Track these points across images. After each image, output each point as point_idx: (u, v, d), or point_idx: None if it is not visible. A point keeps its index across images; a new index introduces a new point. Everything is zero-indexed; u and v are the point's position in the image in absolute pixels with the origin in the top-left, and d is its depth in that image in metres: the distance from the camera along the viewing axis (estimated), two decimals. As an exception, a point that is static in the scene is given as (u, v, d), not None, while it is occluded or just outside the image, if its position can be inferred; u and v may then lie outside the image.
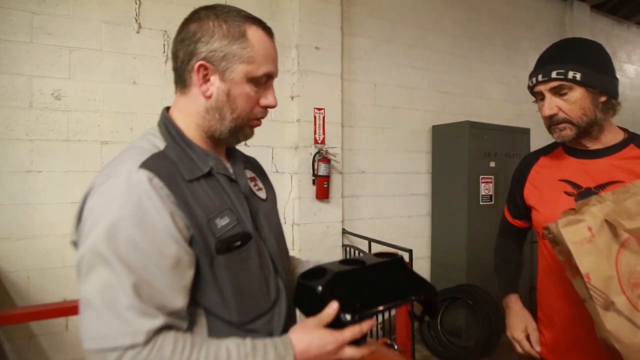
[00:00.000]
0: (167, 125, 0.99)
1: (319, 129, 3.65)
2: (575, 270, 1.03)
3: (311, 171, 3.59)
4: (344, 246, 3.83)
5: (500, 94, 5.21)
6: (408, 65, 4.41)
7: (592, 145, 1.37)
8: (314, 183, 3.59)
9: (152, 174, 0.86)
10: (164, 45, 3.18)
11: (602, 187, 1.30)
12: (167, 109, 1.05)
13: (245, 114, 0.99)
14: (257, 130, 1.08)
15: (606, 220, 1.04)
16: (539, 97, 1.38)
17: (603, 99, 1.31)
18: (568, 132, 1.34)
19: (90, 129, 2.94)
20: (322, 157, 3.56)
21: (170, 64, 3.14)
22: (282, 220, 3.50)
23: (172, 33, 3.41)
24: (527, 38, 5.56)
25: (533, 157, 1.56)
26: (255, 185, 1.13)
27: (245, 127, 1.02)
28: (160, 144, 0.96)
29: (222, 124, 0.98)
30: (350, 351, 0.92)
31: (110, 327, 0.77)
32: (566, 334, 1.38)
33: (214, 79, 0.96)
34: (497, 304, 3.52)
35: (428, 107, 4.56)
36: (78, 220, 0.88)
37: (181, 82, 1.00)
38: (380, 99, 4.22)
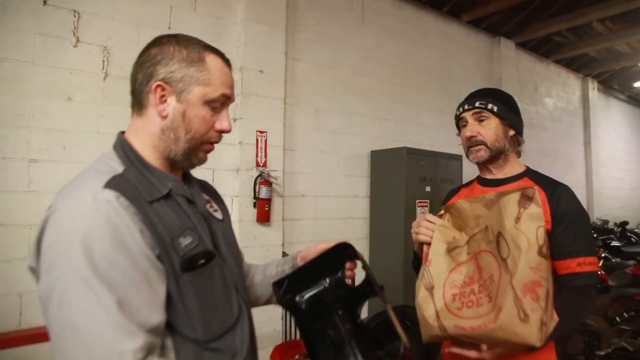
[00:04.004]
0: (124, 148, 0.99)
1: (261, 152, 3.65)
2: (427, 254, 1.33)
3: (252, 194, 3.58)
4: (284, 269, 3.82)
5: (435, 122, 5.47)
6: (349, 92, 4.54)
7: (497, 174, 1.64)
8: (255, 206, 3.58)
9: (117, 193, 0.86)
10: (104, 61, 3.07)
11: None
12: (122, 132, 1.05)
13: (200, 135, 1.01)
14: None
15: (467, 242, 1.28)
16: (463, 123, 1.64)
17: (512, 133, 1.62)
18: (483, 154, 1.59)
19: (17, 145, 2.76)
20: (263, 180, 3.56)
21: (110, 81, 3.07)
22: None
23: (113, 49, 3.31)
24: (459, 70, 5.90)
25: (456, 189, 1.84)
26: (211, 206, 1.14)
27: (199, 150, 1.03)
28: (118, 167, 0.95)
29: (176, 145, 0.99)
30: None
31: (95, 350, 0.76)
32: None
33: (171, 99, 0.98)
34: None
35: (367, 133, 4.69)
36: (37, 246, 0.85)
37: (138, 103, 1.01)
38: (321, 124, 4.30)
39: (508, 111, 1.60)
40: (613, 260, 4.99)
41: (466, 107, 1.62)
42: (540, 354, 1.38)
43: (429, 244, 1.37)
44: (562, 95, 8.20)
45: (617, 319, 3.92)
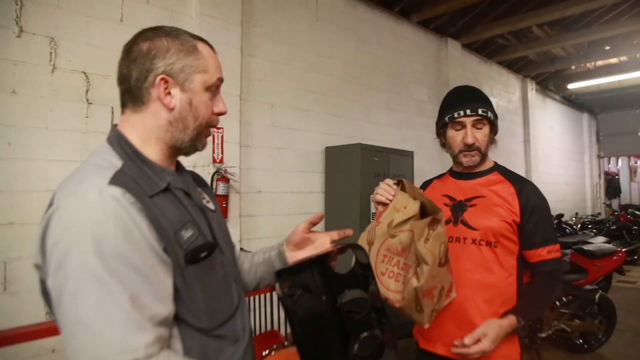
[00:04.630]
0: (120, 143, 0.98)
1: (218, 148, 3.62)
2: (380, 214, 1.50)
3: (209, 190, 3.54)
4: (242, 266, 3.81)
5: (386, 119, 5.60)
6: (304, 89, 4.57)
7: (474, 170, 1.72)
8: (212, 202, 3.54)
9: (123, 190, 0.86)
10: (51, 53, 2.94)
11: (469, 199, 1.69)
12: (115, 126, 1.04)
13: (205, 121, 1.04)
14: None
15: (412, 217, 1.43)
16: (458, 127, 1.66)
17: (492, 135, 1.72)
18: (477, 158, 1.67)
19: (-43, 141, 2.61)
20: (220, 176, 3.53)
21: (58, 74, 2.95)
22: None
23: (61, 40, 3.19)
24: (409, 69, 6.07)
25: (429, 181, 1.93)
26: (204, 197, 1.15)
27: (202, 135, 1.06)
28: (117, 162, 0.94)
29: (185, 134, 1.02)
30: None
31: (108, 345, 0.77)
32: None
33: (175, 91, 0.99)
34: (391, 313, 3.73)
35: (322, 129, 4.75)
36: (42, 243, 0.84)
37: (135, 99, 1.00)
38: (276, 120, 4.31)
39: (494, 116, 1.68)
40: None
41: (468, 112, 1.62)
42: (506, 344, 1.53)
43: (385, 205, 1.50)
44: (504, 94, 8.61)
45: (557, 303, 4.18)
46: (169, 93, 0.99)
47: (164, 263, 0.89)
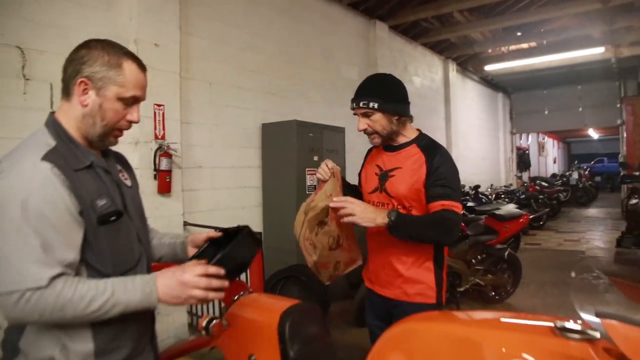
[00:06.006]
0: (54, 126, 1.27)
1: (159, 125, 3.72)
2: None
3: (152, 166, 3.65)
4: (185, 238, 3.97)
5: (319, 97, 5.88)
6: (241, 67, 4.72)
7: (395, 143, 2.04)
8: (155, 178, 3.66)
9: (51, 164, 1.16)
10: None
11: (390, 170, 2.02)
12: (53, 112, 1.31)
13: (112, 124, 1.29)
14: None
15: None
16: (357, 115, 2.02)
17: (395, 117, 1.96)
18: (377, 140, 2.02)
19: None
20: (163, 152, 3.65)
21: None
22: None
23: None
24: (339, 49, 6.36)
25: (370, 149, 2.24)
26: (123, 175, 1.45)
27: (110, 135, 1.32)
28: (51, 141, 1.23)
29: (93, 129, 1.28)
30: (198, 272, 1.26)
31: (22, 275, 1.08)
32: (374, 262, 2.12)
33: (91, 93, 1.25)
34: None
35: (259, 107, 4.94)
36: None
37: (66, 91, 1.28)
38: (215, 97, 4.45)
39: (389, 103, 1.93)
40: (469, 216, 5.90)
41: (354, 105, 1.96)
42: (423, 272, 1.95)
43: (324, 181, 1.94)
44: (427, 74, 9.16)
45: (473, 261, 4.74)
46: (87, 93, 1.25)
47: (76, 222, 1.17)
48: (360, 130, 2.01)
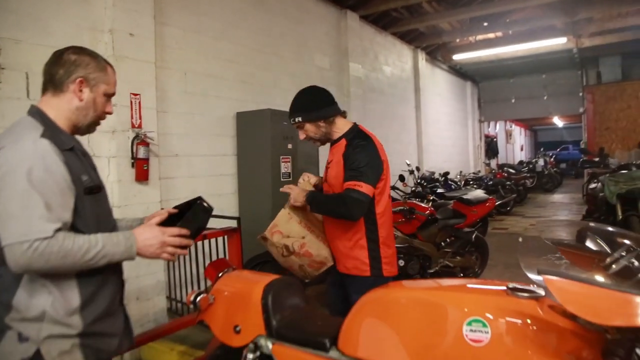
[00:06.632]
0: (41, 116, 1.51)
1: (136, 114, 3.77)
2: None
3: (130, 154, 3.71)
4: (163, 225, 4.05)
5: (292, 86, 5.96)
6: (215, 57, 4.79)
7: (333, 138, 2.39)
8: (133, 166, 3.72)
9: (49, 141, 1.41)
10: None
11: (329, 162, 2.40)
12: (34, 105, 1.55)
13: (99, 115, 1.60)
14: None
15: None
16: None
17: (321, 121, 2.32)
18: (317, 143, 2.45)
19: None
20: (140, 140, 3.70)
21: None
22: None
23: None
24: (312, 38, 6.46)
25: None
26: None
27: (95, 124, 1.63)
28: (39, 126, 1.46)
29: (85, 119, 1.57)
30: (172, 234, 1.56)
31: (30, 228, 1.30)
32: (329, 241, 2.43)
33: (86, 90, 1.54)
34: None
35: (232, 96, 5.02)
36: None
37: (56, 88, 1.53)
38: (190, 87, 4.51)
39: (310, 113, 2.30)
40: (439, 201, 6.13)
41: (290, 121, 2.40)
42: (357, 250, 2.27)
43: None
44: (398, 64, 9.35)
45: (442, 243, 4.96)
46: (82, 90, 1.53)
47: (69, 189, 1.42)
48: (301, 140, 2.42)
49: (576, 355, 1.30)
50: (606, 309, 1.09)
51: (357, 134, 2.31)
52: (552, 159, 19.26)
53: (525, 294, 1.37)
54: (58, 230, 1.33)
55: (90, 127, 1.61)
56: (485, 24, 9.29)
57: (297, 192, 2.29)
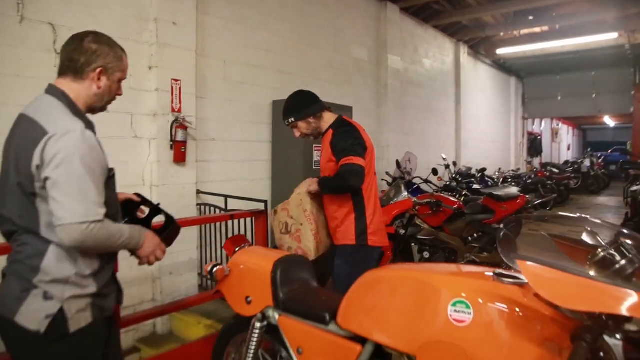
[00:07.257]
0: (66, 97, 1.63)
1: (176, 99, 4.00)
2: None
3: (169, 137, 3.94)
4: (198, 205, 4.29)
5: (328, 76, 6.11)
6: (254, 46, 4.97)
7: (322, 131, 2.77)
8: (171, 148, 3.95)
9: (92, 133, 1.62)
10: (18, 4, 3.18)
11: (321, 152, 2.81)
12: (52, 85, 1.66)
13: (112, 97, 1.78)
14: (118, 98, 1.84)
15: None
16: None
17: (311, 118, 2.71)
18: (311, 138, 2.84)
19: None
20: (179, 124, 3.94)
21: (26, 24, 3.21)
22: (141, 182, 3.82)
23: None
24: (350, 30, 6.54)
25: None
26: None
27: (108, 104, 1.79)
28: (67, 111, 1.60)
29: (100, 103, 1.75)
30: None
31: (86, 209, 1.49)
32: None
33: (104, 78, 1.69)
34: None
35: (269, 84, 5.19)
36: (42, 152, 1.49)
37: (77, 73, 1.64)
38: (229, 75, 4.71)
39: (299, 112, 2.70)
40: (470, 196, 6.13)
41: (285, 123, 2.80)
42: (348, 226, 2.62)
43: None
44: (438, 57, 9.28)
45: (470, 238, 4.99)
46: (100, 79, 1.68)
47: (105, 176, 1.62)
48: (297, 138, 2.82)
49: (556, 342, 1.38)
50: (573, 294, 1.18)
51: (341, 123, 2.70)
52: (599, 160, 18.54)
53: (510, 280, 1.46)
54: (105, 215, 1.54)
55: (104, 108, 1.79)
56: (531, 17, 9.06)
57: (309, 182, 2.71)
